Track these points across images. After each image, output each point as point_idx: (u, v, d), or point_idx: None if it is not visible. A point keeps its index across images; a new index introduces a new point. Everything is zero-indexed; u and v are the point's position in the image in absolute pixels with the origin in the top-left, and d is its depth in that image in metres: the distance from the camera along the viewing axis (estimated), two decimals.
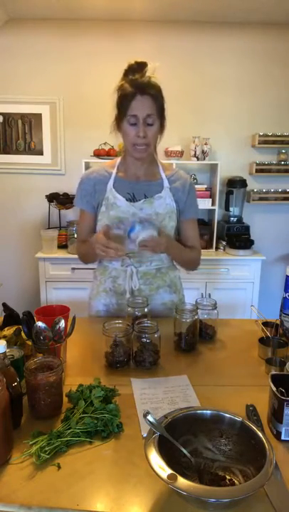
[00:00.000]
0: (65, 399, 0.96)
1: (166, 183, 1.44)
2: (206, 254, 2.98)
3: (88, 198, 1.47)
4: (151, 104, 1.28)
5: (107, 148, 3.05)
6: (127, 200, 1.40)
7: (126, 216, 1.39)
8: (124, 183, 1.43)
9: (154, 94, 1.29)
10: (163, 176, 1.45)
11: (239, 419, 0.77)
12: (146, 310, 1.33)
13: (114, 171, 1.45)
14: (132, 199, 1.41)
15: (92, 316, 1.58)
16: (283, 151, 3.18)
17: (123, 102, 1.29)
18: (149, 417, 0.73)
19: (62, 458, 0.79)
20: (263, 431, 0.76)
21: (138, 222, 1.30)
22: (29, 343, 1.12)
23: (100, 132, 3.09)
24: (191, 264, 1.55)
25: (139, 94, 1.26)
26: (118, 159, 1.49)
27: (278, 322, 1.32)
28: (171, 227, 1.45)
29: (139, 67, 1.30)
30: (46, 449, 0.79)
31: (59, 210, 3.19)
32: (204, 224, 3.19)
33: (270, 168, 3.20)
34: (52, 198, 3.09)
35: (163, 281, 1.50)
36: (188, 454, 0.75)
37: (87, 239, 1.44)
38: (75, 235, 2.96)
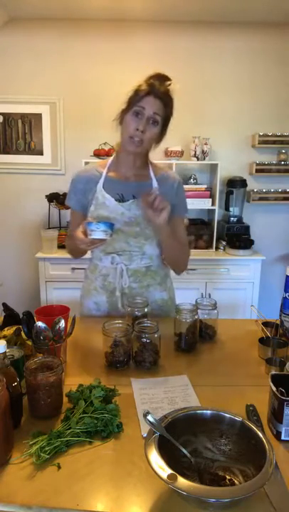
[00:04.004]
0: (65, 399, 0.96)
1: (154, 184, 1.45)
2: (206, 254, 2.98)
3: (79, 197, 1.48)
4: (160, 107, 1.31)
5: (107, 148, 3.05)
6: (115, 200, 1.42)
7: (114, 216, 1.40)
8: (113, 183, 1.44)
9: (167, 102, 1.32)
10: (152, 177, 1.47)
11: (239, 419, 0.77)
12: (146, 310, 1.33)
13: (105, 171, 1.46)
14: (120, 199, 1.43)
15: (84, 314, 1.58)
16: (283, 151, 3.18)
17: (135, 97, 1.31)
18: (149, 417, 0.73)
19: (62, 458, 0.79)
20: (263, 431, 0.76)
21: (95, 222, 1.27)
22: (29, 343, 1.12)
23: (99, 132, 3.09)
24: (181, 260, 1.54)
25: (153, 95, 1.29)
26: (110, 159, 1.50)
27: (278, 322, 1.32)
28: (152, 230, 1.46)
29: (161, 78, 1.33)
30: (46, 449, 0.79)
31: (59, 210, 3.19)
32: (204, 224, 3.19)
33: (270, 168, 3.20)
34: (52, 198, 3.09)
35: (153, 280, 1.52)
36: (188, 454, 0.75)
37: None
38: None
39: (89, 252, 1.49)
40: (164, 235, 1.40)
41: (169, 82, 1.33)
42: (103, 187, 1.44)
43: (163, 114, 1.32)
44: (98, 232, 1.21)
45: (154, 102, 1.29)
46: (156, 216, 1.26)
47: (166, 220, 1.28)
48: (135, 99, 1.31)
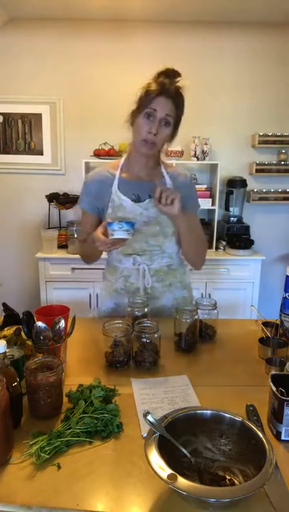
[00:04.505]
0: (65, 399, 0.96)
1: (168, 181, 1.45)
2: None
3: (91, 200, 1.47)
4: (172, 108, 1.30)
5: (107, 148, 3.05)
6: (132, 200, 1.41)
7: (132, 217, 1.40)
8: (128, 184, 1.44)
9: (178, 101, 1.31)
10: (165, 174, 1.46)
11: (239, 419, 0.77)
12: (146, 310, 1.33)
13: (118, 172, 1.45)
14: (137, 199, 1.42)
15: (101, 316, 1.57)
16: (283, 151, 3.18)
17: (146, 98, 1.30)
18: (149, 417, 0.73)
19: (62, 458, 0.79)
20: (263, 431, 0.76)
21: (117, 222, 1.26)
22: (29, 343, 1.12)
23: (100, 132, 3.10)
24: (200, 253, 1.52)
25: (164, 95, 1.28)
26: (121, 160, 1.49)
27: (278, 322, 1.32)
28: (173, 225, 1.46)
29: (171, 74, 1.31)
30: (46, 449, 0.79)
31: (59, 210, 3.19)
32: (204, 224, 3.19)
33: (270, 168, 3.20)
34: (52, 198, 3.09)
35: (174, 278, 1.52)
36: (188, 454, 0.75)
37: (86, 238, 1.45)
38: (75, 235, 2.96)
39: (104, 253, 1.48)
40: (182, 226, 1.38)
41: (179, 79, 1.31)
42: (118, 188, 1.43)
43: (174, 114, 1.32)
44: (120, 232, 1.20)
45: (165, 102, 1.28)
46: (170, 207, 1.26)
47: (180, 210, 1.28)
48: (146, 100, 1.29)
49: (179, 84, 1.31)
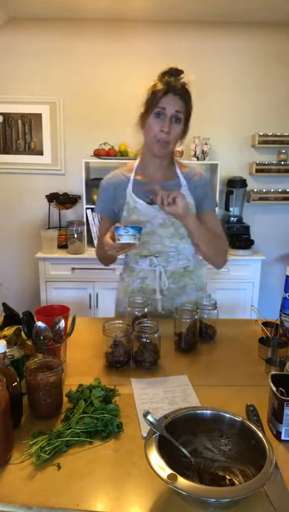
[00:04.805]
0: (65, 399, 0.96)
1: (183, 182, 1.45)
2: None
3: (107, 204, 1.48)
4: (181, 104, 1.31)
5: (107, 148, 3.05)
6: (146, 203, 1.41)
7: (147, 219, 1.40)
8: (143, 186, 1.44)
9: (186, 97, 1.32)
10: (180, 175, 1.46)
11: (239, 419, 0.77)
12: (146, 310, 1.33)
13: (132, 175, 1.46)
14: (152, 202, 1.42)
15: (118, 315, 1.58)
16: (283, 151, 3.18)
17: (153, 98, 1.30)
18: (149, 417, 0.73)
19: (62, 458, 0.79)
20: (263, 431, 0.76)
21: (123, 227, 1.26)
22: (29, 343, 1.12)
23: (100, 132, 3.10)
24: (220, 252, 1.49)
25: (171, 92, 1.29)
26: (136, 162, 1.50)
27: (278, 322, 1.32)
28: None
29: (175, 72, 1.32)
30: (46, 449, 0.79)
31: (59, 210, 3.18)
32: None
33: (270, 168, 3.20)
34: (52, 198, 3.09)
35: (190, 280, 1.52)
36: (188, 454, 0.75)
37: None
38: (75, 235, 2.96)
39: (122, 255, 1.46)
40: (191, 226, 1.34)
41: (183, 75, 1.32)
42: (132, 191, 1.43)
43: (184, 110, 1.32)
44: (126, 237, 1.21)
45: (173, 100, 1.29)
46: (174, 207, 1.26)
47: (184, 208, 1.27)
48: (154, 100, 1.30)
49: (184, 80, 1.32)
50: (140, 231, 1.23)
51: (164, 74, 1.32)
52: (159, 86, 1.30)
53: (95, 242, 3.05)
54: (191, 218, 1.34)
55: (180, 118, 1.32)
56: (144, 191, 1.42)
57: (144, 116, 1.35)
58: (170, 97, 1.29)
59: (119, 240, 1.21)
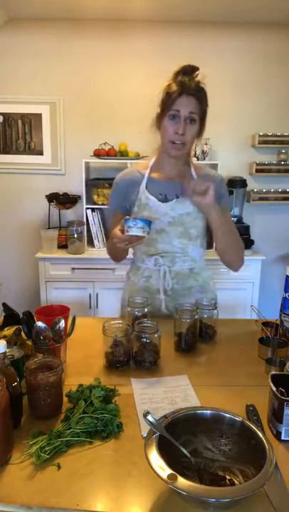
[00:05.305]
0: (65, 399, 0.96)
1: None
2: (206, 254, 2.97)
3: (120, 200, 1.49)
4: (195, 104, 1.30)
5: (107, 148, 3.05)
6: (159, 200, 1.42)
7: (157, 216, 1.40)
8: (156, 184, 1.45)
9: (200, 97, 1.31)
10: (194, 176, 1.46)
11: (239, 419, 0.77)
12: (146, 310, 1.33)
13: (147, 172, 1.46)
14: (164, 199, 1.42)
15: (124, 316, 1.57)
16: (283, 151, 3.18)
17: (168, 100, 1.30)
18: (149, 417, 0.73)
19: (62, 458, 0.79)
20: (263, 431, 0.76)
21: (132, 219, 1.26)
22: (29, 343, 1.12)
23: (100, 132, 3.10)
24: (238, 251, 1.48)
25: (185, 93, 1.28)
26: (151, 160, 1.50)
27: (278, 322, 1.32)
28: (201, 227, 1.46)
29: (189, 70, 1.32)
30: (46, 449, 0.79)
31: (59, 210, 3.18)
32: None
33: (270, 168, 3.20)
34: (52, 198, 3.09)
35: (196, 281, 1.51)
36: (188, 454, 0.75)
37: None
38: (75, 235, 2.96)
39: (130, 254, 1.48)
40: (217, 220, 1.34)
41: (197, 73, 1.32)
42: (146, 188, 1.44)
43: (199, 110, 1.32)
44: (135, 229, 1.20)
45: (187, 101, 1.29)
46: (204, 197, 1.26)
47: (214, 200, 1.28)
48: (168, 102, 1.30)
49: (198, 78, 1.32)
50: (150, 225, 1.23)
51: (177, 73, 1.32)
52: (173, 87, 1.30)
53: (95, 242, 3.05)
54: (218, 212, 1.33)
55: (194, 119, 1.32)
56: (157, 189, 1.43)
57: (159, 118, 1.35)
58: (184, 98, 1.28)
59: (128, 231, 1.21)
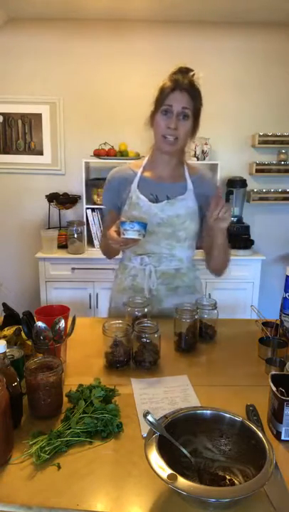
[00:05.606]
0: (65, 399, 0.96)
1: (190, 186, 1.45)
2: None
3: (112, 197, 1.49)
4: (188, 100, 1.31)
5: (107, 148, 3.05)
6: (149, 200, 1.41)
7: (147, 216, 1.40)
8: (148, 184, 1.44)
9: (193, 93, 1.32)
10: (188, 177, 1.46)
11: (239, 419, 0.77)
12: (146, 310, 1.33)
13: (140, 171, 1.46)
14: (154, 200, 1.42)
15: (111, 315, 1.58)
16: (283, 151, 3.18)
17: (161, 96, 1.31)
18: (149, 417, 0.73)
19: (62, 458, 0.79)
20: (263, 431, 0.76)
21: (129, 222, 1.26)
22: (29, 343, 1.12)
23: (100, 132, 3.10)
24: (227, 260, 1.51)
25: (178, 89, 1.29)
26: (145, 159, 1.50)
27: (278, 322, 1.32)
28: (192, 230, 1.46)
29: (184, 70, 1.33)
30: (46, 449, 0.79)
31: (59, 210, 3.18)
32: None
33: (270, 168, 3.20)
34: (52, 198, 3.09)
35: (182, 282, 1.50)
36: (188, 454, 0.75)
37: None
38: (75, 235, 2.96)
39: (120, 252, 1.49)
40: (221, 239, 1.39)
41: (192, 73, 1.32)
42: (138, 187, 1.43)
43: (192, 106, 1.32)
44: (132, 232, 1.21)
45: (180, 96, 1.29)
46: (222, 222, 1.28)
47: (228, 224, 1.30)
48: (161, 97, 1.30)
49: (192, 77, 1.32)
50: (146, 227, 1.24)
51: (173, 73, 1.33)
52: (167, 84, 1.31)
53: (95, 242, 3.05)
54: (225, 234, 1.38)
55: (188, 114, 1.32)
56: (149, 188, 1.42)
57: (153, 115, 1.35)
58: (177, 93, 1.29)
59: (124, 234, 1.22)
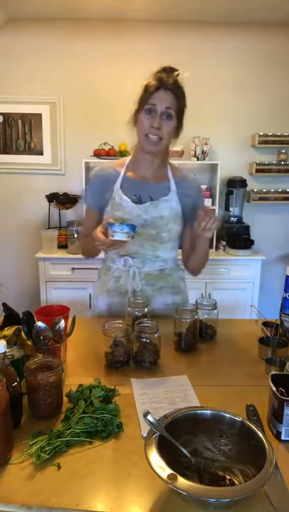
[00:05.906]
0: (65, 399, 0.96)
1: (173, 187, 1.44)
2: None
3: (95, 196, 1.47)
4: (172, 100, 1.30)
5: (107, 148, 3.05)
6: (132, 201, 1.40)
7: (130, 217, 1.38)
8: (131, 184, 1.43)
9: (178, 93, 1.31)
10: (171, 178, 1.45)
11: (239, 419, 0.77)
12: (146, 310, 1.33)
13: (123, 170, 1.44)
14: (137, 201, 1.41)
15: (95, 316, 1.57)
16: (283, 151, 3.18)
17: (145, 95, 1.31)
18: (149, 417, 0.73)
19: (62, 458, 0.79)
20: (263, 431, 0.76)
21: (118, 223, 1.25)
22: (29, 343, 1.12)
23: (100, 132, 3.10)
24: (205, 262, 1.52)
25: (162, 88, 1.28)
26: (128, 158, 1.48)
27: (278, 322, 1.32)
28: (175, 231, 1.45)
29: (168, 70, 1.32)
30: (46, 449, 0.79)
31: (59, 210, 3.19)
32: None
33: (270, 168, 3.20)
34: (52, 198, 3.09)
35: (166, 282, 1.49)
36: (188, 454, 0.75)
37: (88, 234, 1.44)
38: (75, 235, 2.96)
39: (102, 252, 1.47)
40: (205, 245, 1.42)
41: (177, 73, 1.32)
42: (120, 187, 1.42)
43: (176, 106, 1.31)
44: (121, 234, 1.19)
45: (165, 96, 1.28)
46: (207, 231, 1.28)
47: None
48: (145, 96, 1.30)
49: (177, 77, 1.31)
50: (134, 229, 1.22)
51: (158, 72, 1.32)
52: (152, 82, 1.30)
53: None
54: (208, 242, 1.40)
55: (171, 114, 1.30)
56: (132, 189, 1.41)
57: (136, 113, 1.35)
58: (161, 92, 1.28)
59: (112, 236, 1.20)
